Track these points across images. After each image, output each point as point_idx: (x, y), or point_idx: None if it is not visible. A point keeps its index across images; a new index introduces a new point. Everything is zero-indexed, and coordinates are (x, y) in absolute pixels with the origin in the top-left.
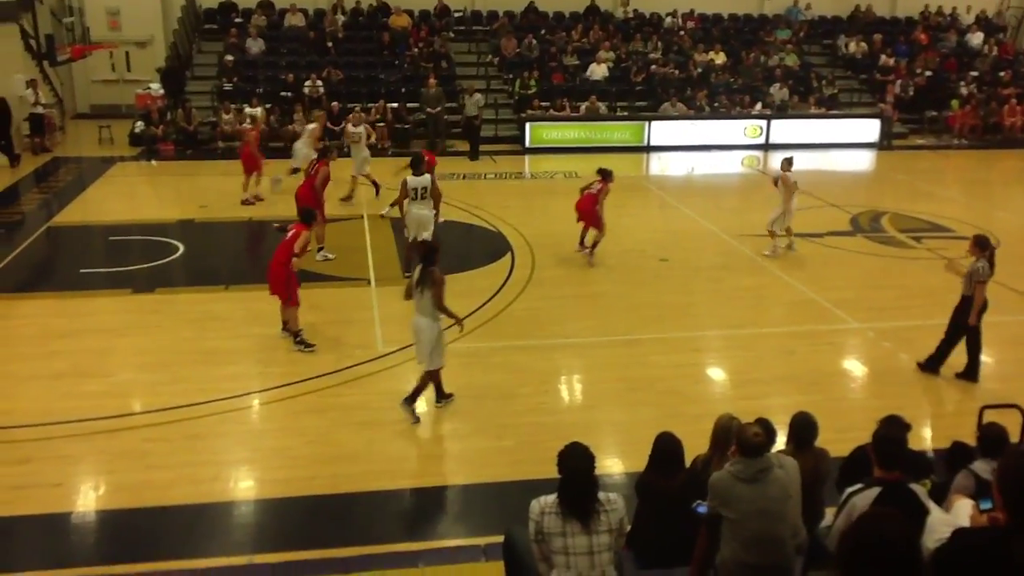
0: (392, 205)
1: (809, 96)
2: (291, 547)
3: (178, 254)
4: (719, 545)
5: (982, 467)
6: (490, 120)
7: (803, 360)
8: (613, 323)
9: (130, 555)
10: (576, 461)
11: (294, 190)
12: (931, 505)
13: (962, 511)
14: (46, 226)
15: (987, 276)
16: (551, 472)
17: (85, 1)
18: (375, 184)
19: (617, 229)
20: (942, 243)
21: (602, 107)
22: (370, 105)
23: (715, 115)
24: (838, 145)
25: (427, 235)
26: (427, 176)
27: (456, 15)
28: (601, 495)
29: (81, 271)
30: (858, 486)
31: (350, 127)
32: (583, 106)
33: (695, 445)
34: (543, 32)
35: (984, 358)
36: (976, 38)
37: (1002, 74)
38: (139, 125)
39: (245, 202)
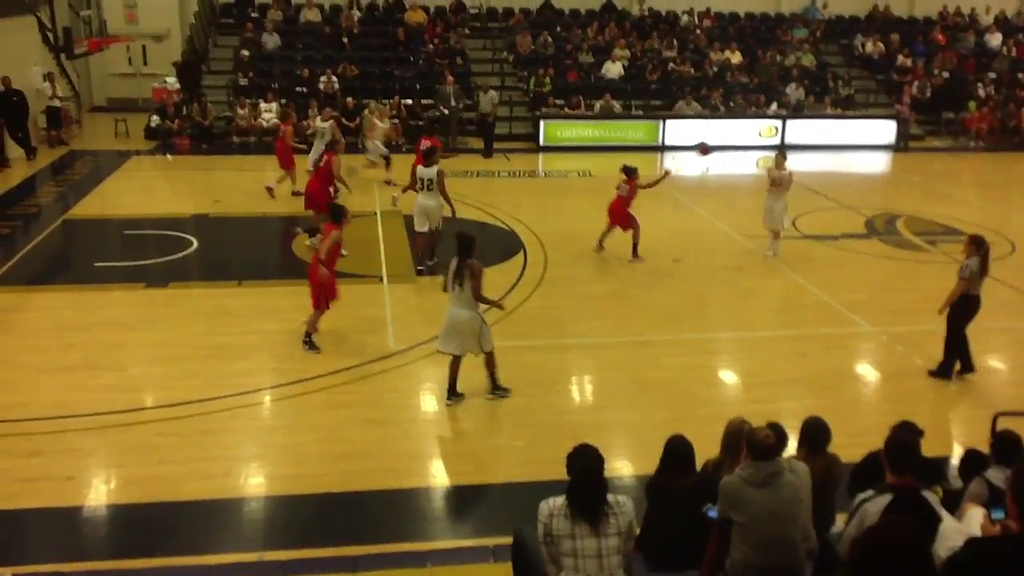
0: (404, 191)
1: (825, 96)
2: (301, 544)
3: (192, 249)
4: (729, 549)
5: (996, 475)
6: (504, 118)
7: (815, 363)
8: (625, 323)
9: (141, 549)
10: (585, 462)
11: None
12: (943, 512)
13: (974, 519)
14: (62, 219)
15: (973, 275)
16: (561, 473)
17: None
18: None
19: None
20: (958, 247)
21: (617, 105)
22: (385, 101)
23: (730, 114)
24: (854, 146)
25: (432, 226)
26: (434, 168)
27: (472, 11)
28: (610, 497)
29: (96, 264)
30: (870, 492)
31: (318, 121)
32: (598, 104)
33: (706, 448)
34: (559, 29)
35: (997, 364)
36: (995, 39)
37: (1021, 76)
38: (155, 119)
39: (295, 193)
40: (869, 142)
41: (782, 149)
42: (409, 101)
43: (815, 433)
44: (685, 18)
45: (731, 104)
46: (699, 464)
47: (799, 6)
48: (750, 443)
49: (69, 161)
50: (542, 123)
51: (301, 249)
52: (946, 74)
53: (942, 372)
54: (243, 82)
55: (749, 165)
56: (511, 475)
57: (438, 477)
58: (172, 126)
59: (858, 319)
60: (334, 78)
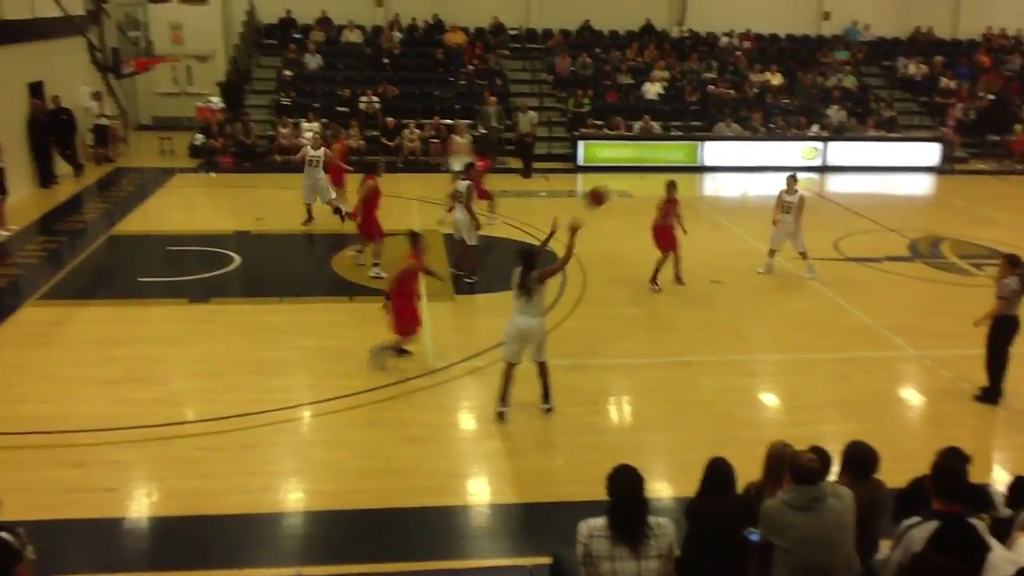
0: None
1: (867, 118)
2: (337, 560)
3: (234, 265)
4: (770, 573)
5: None
6: (543, 138)
7: (858, 387)
8: (664, 344)
9: (180, 562)
10: (627, 483)
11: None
12: (992, 541)
13: None
14: (107, 235)
15: (1013, 294)
16: (600, 494)
17: (150, 15)
18: (338, 211)
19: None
20: None
21: (656, 126)
22: (424, 121)
23: (771, 136)
24: (897, 169)
25: (458, 237)
26: (465, 183)
27: (511, 32)
28: (651, 519)
29: (140, 280)
30: (916, 519)
31: (310, 149)
32: (637, 125)
33: (747, 471)
34: (598, 50)
35: None
36: None
37: None
38: (199, 137)
39: (349, 214)
40: (912, 164)
41: (794, 172)
42: (448, 121)
43: (860, 458)
44: (725, 39)
45: (771, 125)
46: (740, 487)
47: (841, 28)
48: (793, 467)
49: (115, 178)
50: (580, 143)
51: (340, 266)
52: (991, 96)
53: (988, 397)
54: (285, 102)
55: None
56: (549, 495)
57: (475, 495)
58: (216, 144)
59: (901, 342)
60: (374, 98)
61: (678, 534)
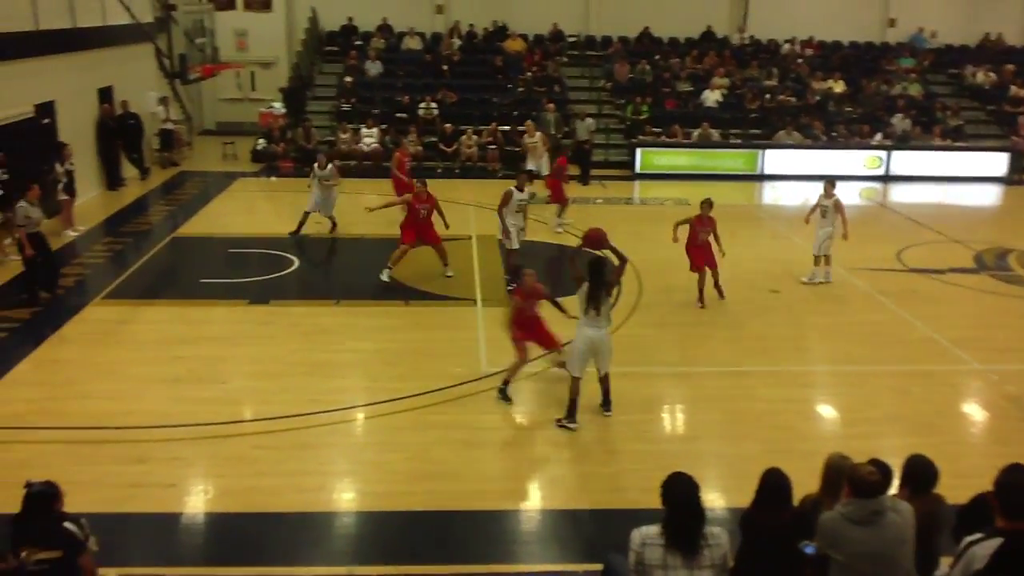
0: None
1: (933, 127)
2: (388, 561)
3: (292, 268)
4: None
5: None
6: (601, 145)
7: (920, 400)
8: (720, 353)
9: (235, 558)
10: (682, 492)
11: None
12: None
13: None
14: (171, 236)
15: None
16: (652, 501)
17: (216, 23)
18: (333, 222)
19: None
20: None
21: (715, 134)
22: (482, 128)
23: (832, 145)
24: (963, 179)
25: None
26: (527, 192)
27: (570, 40)
28: (706, 529)
29: (201, 281)
30: (978, 535)
31: (317, 168)
32: (695, 132)
33: (803, 483)
34: (657, 58)
35: None
36: None
37: None
38: (261, 142)
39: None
40: (979, 174)
41: (831, 178)
42: (506, 128)
43: (921, 472)
44: (787, 47)
45: (833, 134)
46: (796, 500)
47: (906, 35)
48: (852, 479)
49: (179, 181)
50: (638, 151)
51: (397, 270)
52: None
53: None
54: (346, 108)
55: (852, 196)
56: (600, 502)
57: (526, 501)
58: (277, 149)
59: (965, 356)
60: (433, 104)
61: (732, 545)
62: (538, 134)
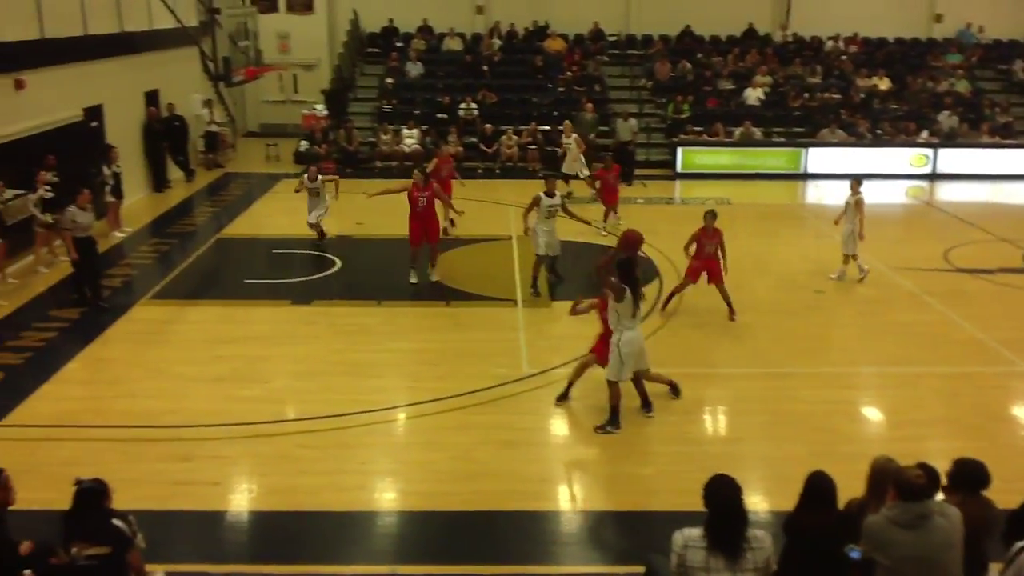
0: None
1: (981, 124)
2: (430, 561)
3: (335, 269)
4: None
5: None
6: (642, 144)
7: (968, 403)
8: (762, 354)
9: (278, 556)
10: (725, 494)
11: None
12: None
13: None
14: (215, 237)
15: None
16: (693, 504)
17: (260, 25)
18: (321, 233)
19: (769, 259)
20: None
21: (757, 132)
22: (522, 128)
23: (877, 142)
24: (1012, 176)
25: (553, 253)
26: (558, 197)
27: (611, 39)
28: (749, 532)
29: (245, 281)
30: None
31: (306, 179)
32: (737, 131)
33: (847, 486)
34: (699, 56)
35: None
36: None
37: None
38: (303, 144)
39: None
40: None
41: (858, 176)
42: (546, 128)
43: (970, 474)
44: (830, 44)
45: (878, 131)
46: (840, 503)
47: (953, 30)
48: (899, 482)
49: (224, 183)
50: (679, 150)
51: (438, 270)
52: None
53: None
54: (387, 109)
55: (897, 195)
56: (641, 503)
57: (567, 502)
58: (319, 151)
59: (1015, 357)
60: (473, 105)
61: (776, 548)
62: (573, 135)
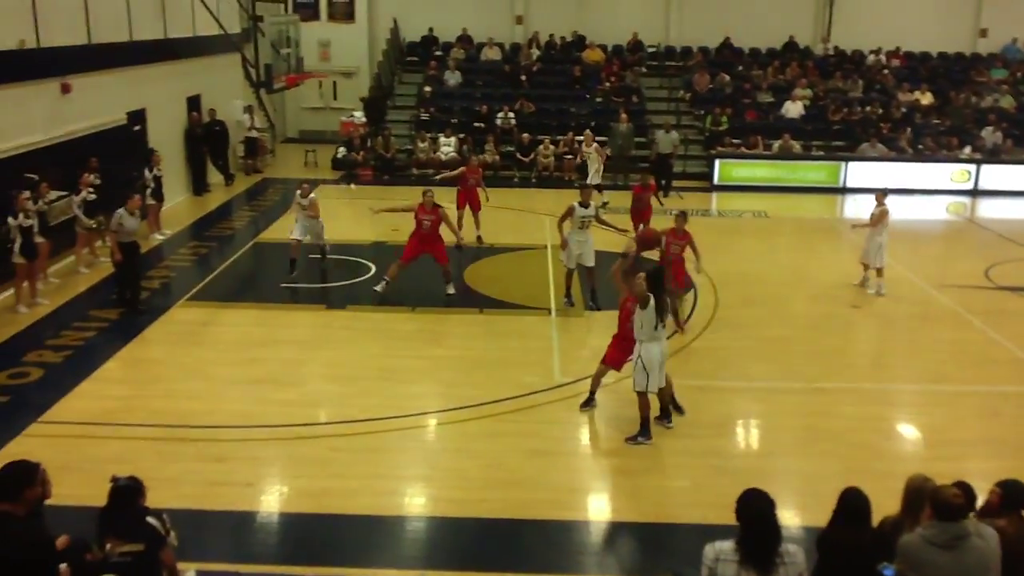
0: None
1: None
2: (460, 567)
3: (370, 274)
4: None
5: None
6: (679, 156)
7: (1009, 423)
8: (798, 369)
9: (309, 558)
10: (759, 508)
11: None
12: None
13: None
14: (253, 241)
15: None
16: (724, 517)
17: (301, 33)
18: (294, 261)
19: (806, 273)
20: None
21: (796, 146)
22: (559, 138)
23: (919, 158)
24: None
25: (588, 263)
26: (592, 207)
27: (649, 50)
28: (782, 547)
29: (281, 285)
30: None
31: (299, 196)
32: (776, 144)
33: (882, 504)
34: (739, 68)
35: None
36: None
37: None
38: (341, 150)
39: (478, 239)
40: None
41: (884, 189)
42: (581, 138)
43: (1013, 494)
44: (872, 57)
45: (920, 146)
46: (875, 520)
47: (998, 45)
48: (935, 501)
49: (262, 188)
50: (717, 162)
51: (472, 278)
52: None
53: None
54: (424, 117)
55: (938, 211)
56: (671, 516)
57: (597, 512)
58: (357, 157)
59: None
60: (511, 114)
61: (808, 564)
62: (594, 145)
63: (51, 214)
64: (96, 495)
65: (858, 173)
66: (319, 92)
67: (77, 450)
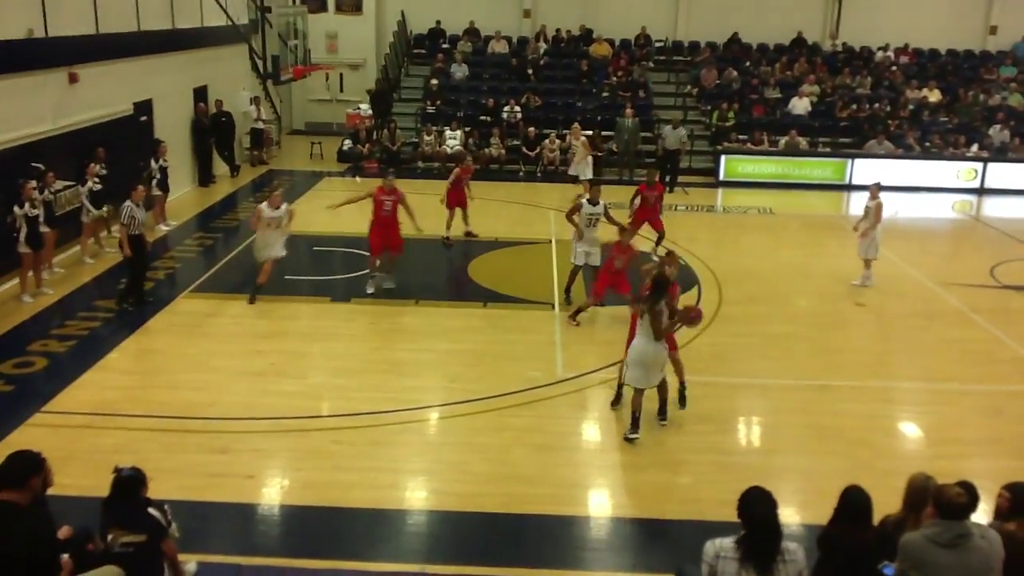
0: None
1: None
2: (461, 561)
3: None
4: None
5: None
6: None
7: (1013, 423)
8: (801, 366)
9: (310, 550)
10: (760, 506)
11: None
12: None
13: None
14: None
15: None
16: (726, 514)
17: (309, 25)
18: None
19: (811, 270)
20: None
21: (803, 142)
22: (565, 132)
23: (926, 155)
24: None
25: (595, 263)
26: (601, 205)
27: (657, 44)
28: (782, 545)
29: (286, 277)
30: None
31: (265, 209)
32: (782, 140)
33: (884, 503)
34: (747, 64)
35: None
36: None
37: None
38: (347, 143)
39: (468, 234)
40: None
41: (878, 182)
42: (589, 132)
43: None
44: (880, 54)
45: (927, 144)
46: (876, 519)
47: (1008, 43)
48: (938, 500)
49: (268, 179)
50: (723, 158)
51: (476, 272)
52: None
53: None
54: (431, 110)
55: (944, 209)
56: (673, 512)
57: (599, 507)
58: (363, 150)
59: None
60: (517, 108)
61: (809, 562)
62: (582, 138)
63: (57, 204)
64: (99, 485)
65: (865, 170)
66: (326, 84)
67: (80, 440)
